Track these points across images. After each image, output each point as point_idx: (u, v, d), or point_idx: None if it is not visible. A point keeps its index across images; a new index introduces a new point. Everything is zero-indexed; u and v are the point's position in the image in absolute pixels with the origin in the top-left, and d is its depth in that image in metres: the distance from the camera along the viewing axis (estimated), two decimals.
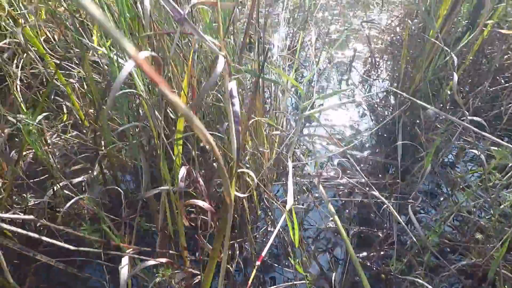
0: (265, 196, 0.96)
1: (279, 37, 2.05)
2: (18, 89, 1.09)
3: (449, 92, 1.42)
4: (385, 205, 1.09)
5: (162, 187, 0.63)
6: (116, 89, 0.36)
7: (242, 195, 0.57)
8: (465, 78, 1.76)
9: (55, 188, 0.98)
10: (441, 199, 1.25)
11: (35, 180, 1.20)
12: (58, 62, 1.05)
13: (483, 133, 0.61)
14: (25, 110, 1.13)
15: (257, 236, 1.06)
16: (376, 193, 0.86)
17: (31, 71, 1.37)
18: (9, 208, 1.02)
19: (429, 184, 1.31)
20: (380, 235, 1.10)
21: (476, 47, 1.19)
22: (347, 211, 1.20)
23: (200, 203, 0.47)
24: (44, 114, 0.95)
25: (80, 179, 1.15)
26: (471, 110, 1.32)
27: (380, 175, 1.35)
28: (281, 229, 1.08)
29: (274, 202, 0.89)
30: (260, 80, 0.94)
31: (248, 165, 0.98)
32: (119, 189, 0.84)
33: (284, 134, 1.03)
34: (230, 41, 1.07)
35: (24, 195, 1.01)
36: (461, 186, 1.25)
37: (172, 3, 0.46)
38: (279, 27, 2.15)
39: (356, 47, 2.16)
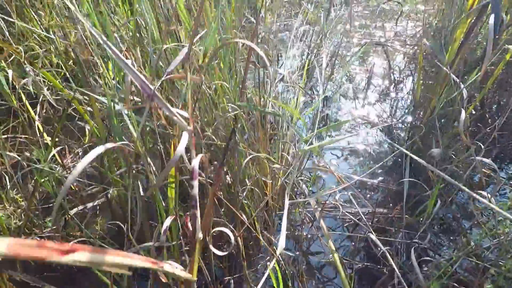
0: (263, 231, 0.96)
1: (291, 55, 2.04)
2: (37, 123, 1.17)
3: (472, 112, 1.34)
4: (391, 239, 1.05)
5: (144, 244, 0.65)
6: (74, 175, 0.38)
7: (221, 253, 0.58)
8: (493, 98, 1.65)
9: (66, 217, 1.05)
10: (456, 234, 1.18)
11: (53, 204, 1.29)
12: (73, 95, 1.12)
13: (475, 198, 0.57)
14: (47, 139, 1.21)
15: (258, 268, 1.06)
16: (373, 236, 0.83)
17: (54, 97, 1.47)
18: (29, 233, 1.10)
19: (444, 216, 1.24)
20: (385, 271, 1.06)
21: (498, 71, 1.11)
22: (352, 243, 1.16)
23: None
24: (58, 148, 1.02)
25: (91, 204, 1.21)
26: (496, 131, 1.23)
27: (391, 204, 1.30)
28: (281, 259, 1.08)
29: (266, 246, 0.89)
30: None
31: (245, 200, 0.99)
32: (120, 223, 0.88)
33: (285, 169, 1.03)
34: (235, 68, 1.09)
35: (40, 222, 1.09)
36: (480, 221, 1.17)
37: (141, 79, 0.48)
38: (293, 43, 2.13)
39: (374, 62, 2.09)
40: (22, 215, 1.13)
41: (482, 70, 0.68)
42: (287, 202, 0.90)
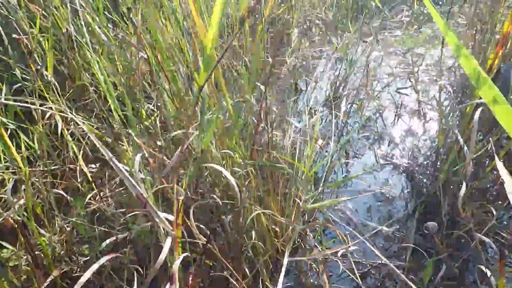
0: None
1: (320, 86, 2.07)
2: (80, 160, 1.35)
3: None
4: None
5: None
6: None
7: None
8: None
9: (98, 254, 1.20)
10: None
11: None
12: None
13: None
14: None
15: None
16: None
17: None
18: (69, 262, 1.28)
19: (459, 277, 1.20)
20: None
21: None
22: None
23: None
24: (93, 192, 1.18)
25: (124, 235, 1.37)
26: None
27: (404, 256, 1.29)
28: None
29: None
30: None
31: (250, 253, 1.07)
32: (138, 267, 1.00)
33: (288, 223, 1.08)
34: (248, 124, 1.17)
35: (76, 254, 1.26)
36: None
37: (137, 188, 0.58)
38: (322, 74, 2.16)
39: (404, 97, 2.05)
40: (64, 244, 1.31)
41: (466, 161, 0.69)
42: (286, 260, 0.96)
